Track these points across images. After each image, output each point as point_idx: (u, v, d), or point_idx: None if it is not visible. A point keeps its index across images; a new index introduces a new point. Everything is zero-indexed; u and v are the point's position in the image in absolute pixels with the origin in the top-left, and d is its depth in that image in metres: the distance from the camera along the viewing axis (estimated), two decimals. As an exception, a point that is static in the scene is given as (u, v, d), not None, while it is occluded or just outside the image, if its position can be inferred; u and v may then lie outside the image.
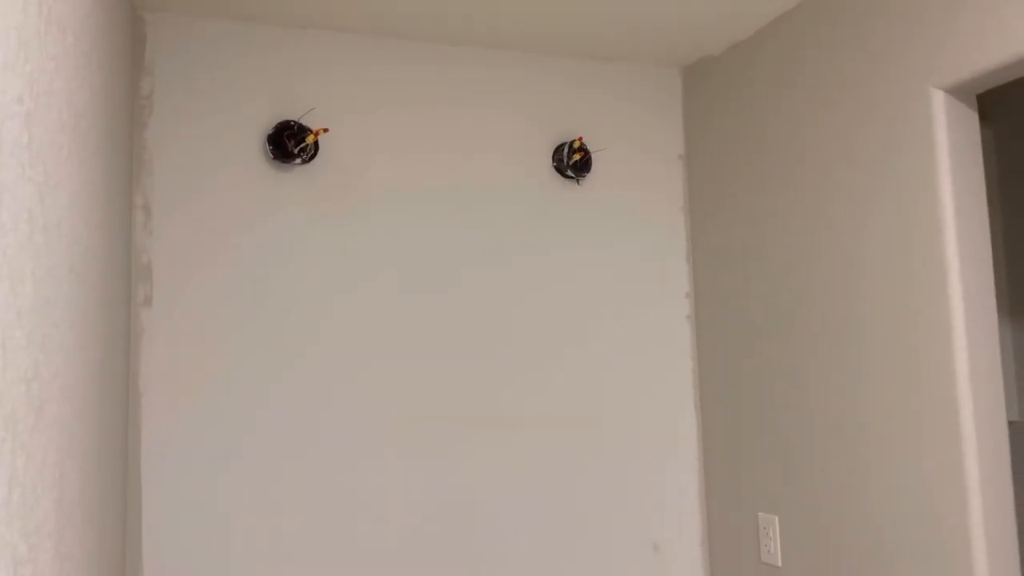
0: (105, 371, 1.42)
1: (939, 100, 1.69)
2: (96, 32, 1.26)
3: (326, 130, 2.01)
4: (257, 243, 2.05)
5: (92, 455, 1.24)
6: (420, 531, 2.10)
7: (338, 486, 2.05)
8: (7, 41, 0.67)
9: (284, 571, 1.98)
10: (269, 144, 2.04)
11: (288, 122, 2.05)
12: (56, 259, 0.90)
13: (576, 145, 2.27)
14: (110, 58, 1.45)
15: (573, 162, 2.29)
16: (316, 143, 2.07)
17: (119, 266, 1.68)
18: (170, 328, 1.96)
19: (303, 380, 2.05)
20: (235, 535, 1.96)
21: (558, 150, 2.31)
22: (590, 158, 2.32)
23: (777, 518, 2.10)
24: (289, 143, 2.04)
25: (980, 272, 1.69)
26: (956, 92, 1.69)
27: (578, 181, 2.33)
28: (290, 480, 2.01)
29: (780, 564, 2.08)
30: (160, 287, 1.96)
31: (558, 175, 2.32)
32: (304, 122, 2.07)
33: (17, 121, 0.71)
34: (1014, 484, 1.69)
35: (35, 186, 0.79)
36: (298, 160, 2.05)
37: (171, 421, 1.94)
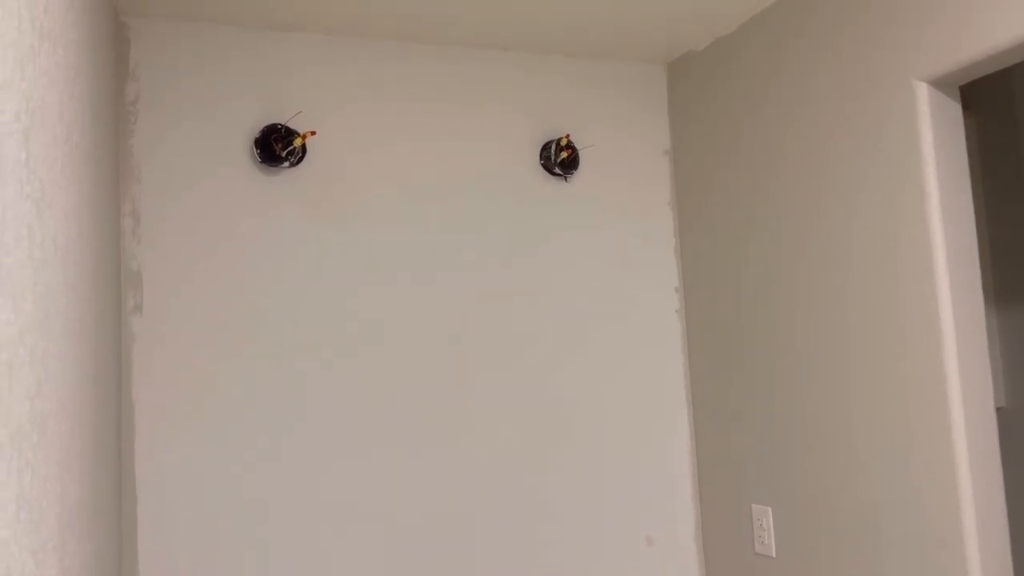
0: (98, 381, 1.41)
1: (923, 92, 1.71)
2: (82, 41, 1.25)
3: (313, 133, 2.00)
4: (246, 247, 2.04)
5: (89, 466, 1.24)
6: (414, 529, 2.11)
7: (332, 487, 2.05)
8: (4, 59, 0.66)
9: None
10: (256, 148, 2.03)
11: (275, 125, 2.05)
12: (53, 274, 0.90)
13: (563, 143, 2.28)
14: (95, 66, 1.44)
15: (561, 160, 2.30)
16: (304, 146, 2.06)
17: (109, 274, 1.67)
18: (161, 335, 1.95)
19: (295, 384, 2.05)
20: (230, 542, 1.96)
21: (545, 148, 2.32)
22: (577, 155, 2.33)
23: (771, 509, 2.12)
24: (276, 146, 2.03)
25: (966, 261, 1.71)
26: (939, 84, 1.71)
27: (566, 178, 2.34)
28: (283, 484, 2.01)
29: (775, 555, 2.10)
30: (150, 294, 1.95)
31: (546, 173, 2.33)
32: (291, 125, 2.07)
33: (16, 139, 0.71)
34: (1003, 469, 1.72)
35: (33, 202, 0.79)
36: (286, 163, 2.05)
37: (164, 428, 1.93)
